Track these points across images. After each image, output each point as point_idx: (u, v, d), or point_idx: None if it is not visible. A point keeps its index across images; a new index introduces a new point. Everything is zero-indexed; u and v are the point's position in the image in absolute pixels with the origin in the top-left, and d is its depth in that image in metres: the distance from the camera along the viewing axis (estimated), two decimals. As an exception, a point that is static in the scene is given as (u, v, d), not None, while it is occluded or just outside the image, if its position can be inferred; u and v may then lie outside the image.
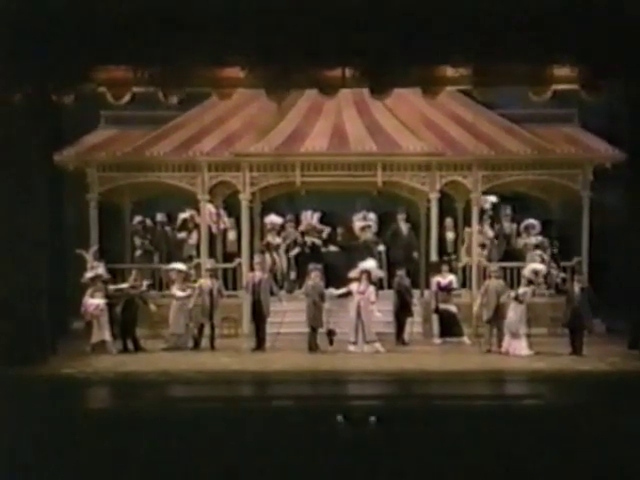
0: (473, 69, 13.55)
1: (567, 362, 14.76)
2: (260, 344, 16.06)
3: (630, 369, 14.27)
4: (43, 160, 15.35)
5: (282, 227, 18.97)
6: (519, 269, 17.36)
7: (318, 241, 18.88)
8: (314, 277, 16.15)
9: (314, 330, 15.95)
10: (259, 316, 16.10)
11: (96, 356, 15.59)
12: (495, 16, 12.88)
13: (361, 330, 15.89)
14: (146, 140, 18.30)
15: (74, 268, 17.60)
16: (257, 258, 17.20)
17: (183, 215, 18.97)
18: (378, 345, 15.92)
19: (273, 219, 18.87)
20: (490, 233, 18.56)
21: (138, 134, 18.55)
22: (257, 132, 18.41)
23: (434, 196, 17.89)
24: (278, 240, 18.79)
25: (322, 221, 19.09)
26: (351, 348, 15.90)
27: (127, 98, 14.35)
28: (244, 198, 18.09)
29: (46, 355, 14.83)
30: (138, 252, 19.04)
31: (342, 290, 16.35)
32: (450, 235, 18.95)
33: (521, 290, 15.73)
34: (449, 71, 13.81)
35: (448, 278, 16.99)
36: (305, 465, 9.44)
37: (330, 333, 16.09)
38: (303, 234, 18.99)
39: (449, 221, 18.92)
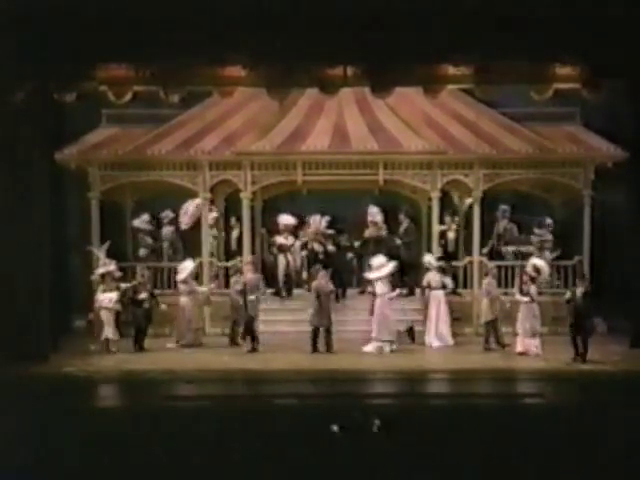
0: (474, 68, 13.57)
1: (569, 361, 14.72)
2: (252, 344, 15.93)
3: (632, 369, 14.25)
4: (44, 159, 15.38)
5: (295, 227, 18.54)
6: (512, 268, 17.56)
7: (320, 247, 18.39)
8: (319, 278, 16.09)
9: (317, 330, 15.90)
10: (247, 316, 15.97)
11: (98, 354, 15.59)
12: (497, 15, 12.88)
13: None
14: (147, 139, 18.27)
15: (76, 267, 17.61)
16: (248, 259, 17.14)
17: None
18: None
19: (286, 219, 18.42)
20: (451, 234, 18.47)
21: (139, 133, 18.50)
22: (258, 130, 18.39)
23: (435, 195, 17.89)
24: (291, 240, 18.38)
25: (331, 225, 18.65)
26: (386, 349, 15.77)
27: (128, 97, 14.39)
28: (245, 197, 18.08)
29: (47, 353, 14.84)
30: (142, 250, 18.89)
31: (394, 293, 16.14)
32: (451, 234, 18.89)
33: (532, 289, 15.70)
34: (450, 70, 13.85)
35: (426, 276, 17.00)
36: (306, 464, 9.43)
37: (411, 330, 16.21)
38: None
39: (449, 220, 18.85)
